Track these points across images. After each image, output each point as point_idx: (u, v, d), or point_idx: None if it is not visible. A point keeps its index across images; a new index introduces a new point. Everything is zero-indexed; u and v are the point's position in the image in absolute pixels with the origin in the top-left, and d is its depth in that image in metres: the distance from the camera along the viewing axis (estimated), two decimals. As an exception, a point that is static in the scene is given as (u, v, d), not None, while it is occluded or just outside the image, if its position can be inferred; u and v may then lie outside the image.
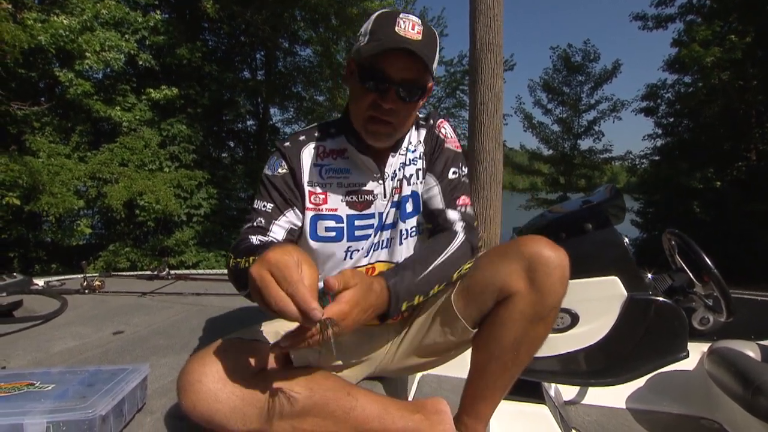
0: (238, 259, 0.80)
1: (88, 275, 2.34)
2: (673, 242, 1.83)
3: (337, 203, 0.98)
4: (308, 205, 0.97)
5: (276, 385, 0.76)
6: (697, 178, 9.93)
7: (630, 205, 12.84)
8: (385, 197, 1.00)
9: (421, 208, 1.02)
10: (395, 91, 0.86)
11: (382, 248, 1.01)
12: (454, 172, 1.01)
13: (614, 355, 1.55)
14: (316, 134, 1.02)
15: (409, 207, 1.00)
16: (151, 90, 7.37)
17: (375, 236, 0.99)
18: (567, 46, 13.54)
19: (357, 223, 0.98)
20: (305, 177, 0.98)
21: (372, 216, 0.99)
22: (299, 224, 0.98)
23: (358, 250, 0.99)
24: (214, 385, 0.76)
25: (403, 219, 1.00)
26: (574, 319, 1.58)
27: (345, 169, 0.99)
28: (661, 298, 1.57)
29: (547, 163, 14.76)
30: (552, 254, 0.83)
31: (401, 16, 0.85)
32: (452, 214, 0.96)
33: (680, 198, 10.19)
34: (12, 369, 1.23)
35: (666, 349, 1.51)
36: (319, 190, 0.98)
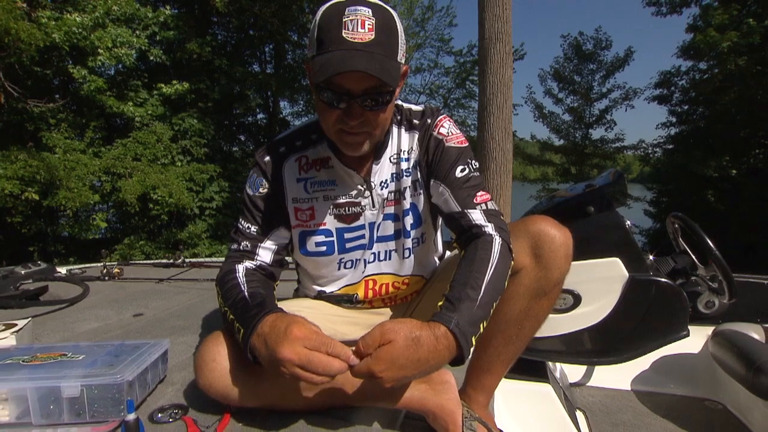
0: (226, 309, 0.83)
1: (107, 263, 2.44)
2: (676, 225, 1.85)
3: (324, 217, 0.96)
4: (294, 222, 0.96)
5: None
6: (711, 167, 9.75)
7: (643, 195, 12.69)
8: (374, 207, 0.96)
9: (424, 219, 0.98)
10: (358, 104, 0.77)
11: (382, 260, 1.01)
12: (462, 170, 0.92)
13: (616, 335, 1.58)
14: (297, 142, 0.96)
15: (409, 221, 0.98)
16: (162, 85, 7.49)
17: (371, 247, 0.99)
18: (578, 34, 13.33)
19: (347, 235, 0.97)
20: (289, 194, 0.95)
21: (362, 227, 0.97)
22: (287, 240, 0.98)
23: (352, 261, 0.99)
24: (229, 364, 0.81)
25: (407, 235, 0.98)
26: (577, 300, 1.61)
27: (330, 181, 0.95)
28: (661, 279, 1.60)
29: (558, 153, 14.61)
30: (557, 233, 0.88)
31: (347, 12, 0.73)
32: (475, 215, 0.89)
33: (694, 187, 10.03)
34: (43, 344, 1.31)
35: (667, 328, 1.54)
36: (305, 206, 0.95)
